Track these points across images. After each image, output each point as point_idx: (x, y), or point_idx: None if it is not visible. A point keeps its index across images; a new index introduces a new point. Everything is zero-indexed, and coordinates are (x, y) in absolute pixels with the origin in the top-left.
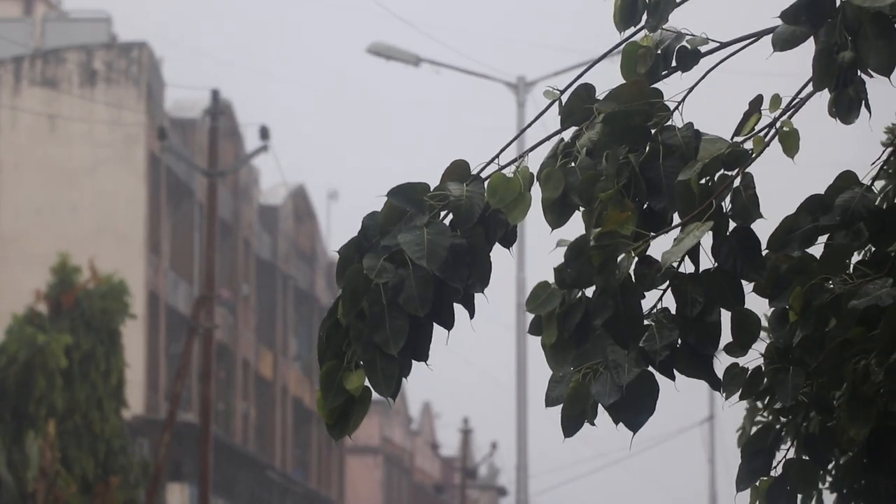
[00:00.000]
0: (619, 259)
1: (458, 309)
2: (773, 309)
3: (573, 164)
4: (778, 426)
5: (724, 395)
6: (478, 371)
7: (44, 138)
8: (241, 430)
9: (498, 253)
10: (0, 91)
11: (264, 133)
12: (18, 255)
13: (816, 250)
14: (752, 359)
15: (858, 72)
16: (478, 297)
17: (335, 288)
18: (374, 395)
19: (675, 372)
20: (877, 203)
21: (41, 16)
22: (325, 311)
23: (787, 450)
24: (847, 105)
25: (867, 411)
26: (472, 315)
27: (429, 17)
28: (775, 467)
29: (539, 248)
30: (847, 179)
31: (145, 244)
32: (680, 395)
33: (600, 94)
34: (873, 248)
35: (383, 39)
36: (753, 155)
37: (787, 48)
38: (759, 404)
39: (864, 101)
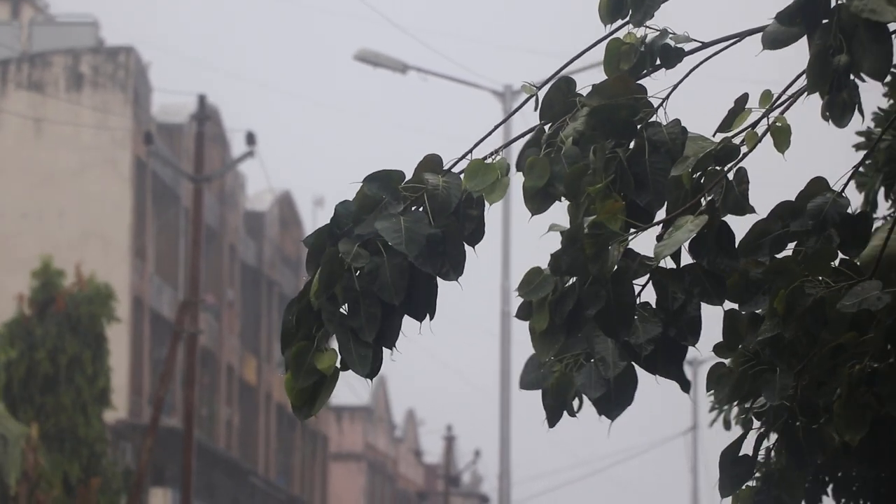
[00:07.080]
0: (609, 249)
1: (441, 310)
2: (743, 313)
3: (557, 154)
4: (760, 430)
5: (709, 395)
6: (462, 379)
7: (30, 142)
8: (225, 435)
9: (482, 260)
10: None
11: (250, 139)
12: (3, 258)
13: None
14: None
15: (851, 75)
16: (461, 294)
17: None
18: (355, 403)
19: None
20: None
21: (28, 19)
22: None
23: (769, 454)
24: (841, 109)
25: (862, 416)
26: (431, 316)
27: (417, 22)
28: (756, 474)
29: (523, 258)
30: (818, 185)
31: (130, 249)
32: (663, 404)
33: (581, 90)
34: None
35: (372, 46)
36: (746, 150)
37: (777, 48)
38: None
39: (857, 105)
